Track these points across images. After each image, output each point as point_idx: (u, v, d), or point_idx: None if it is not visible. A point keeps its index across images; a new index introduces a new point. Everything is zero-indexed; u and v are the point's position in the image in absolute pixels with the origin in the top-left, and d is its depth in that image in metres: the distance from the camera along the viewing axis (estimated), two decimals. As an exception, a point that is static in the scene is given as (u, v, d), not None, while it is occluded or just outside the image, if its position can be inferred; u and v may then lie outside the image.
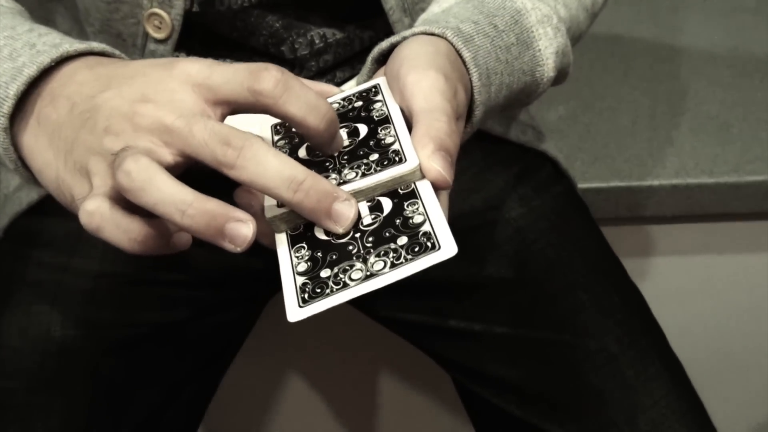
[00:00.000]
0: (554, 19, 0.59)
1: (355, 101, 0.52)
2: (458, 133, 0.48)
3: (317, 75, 0.68)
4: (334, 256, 0.44)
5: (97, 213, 0.42)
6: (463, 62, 0.53)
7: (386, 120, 0.50)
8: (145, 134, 0.43)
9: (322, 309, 0.42)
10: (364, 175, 0.46)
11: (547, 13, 0.59)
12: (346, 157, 0.48)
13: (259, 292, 0.78)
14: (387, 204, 0.46)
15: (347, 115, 0.52)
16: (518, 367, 0.68)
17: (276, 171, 0.41)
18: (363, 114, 0.51)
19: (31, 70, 0.48)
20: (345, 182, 0.46)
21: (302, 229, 0.46)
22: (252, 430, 1.11)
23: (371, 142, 0.48)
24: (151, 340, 0.69)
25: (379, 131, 0.49)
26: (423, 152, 0.46)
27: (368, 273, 0.43)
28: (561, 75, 0.62)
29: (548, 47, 0.58)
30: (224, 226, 0.41)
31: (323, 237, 0.45)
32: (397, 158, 0.47)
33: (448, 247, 0.42)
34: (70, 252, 0.69)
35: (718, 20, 1.17)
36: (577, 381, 0.66)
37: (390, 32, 0.65)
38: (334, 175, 0.47)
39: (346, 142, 0.49)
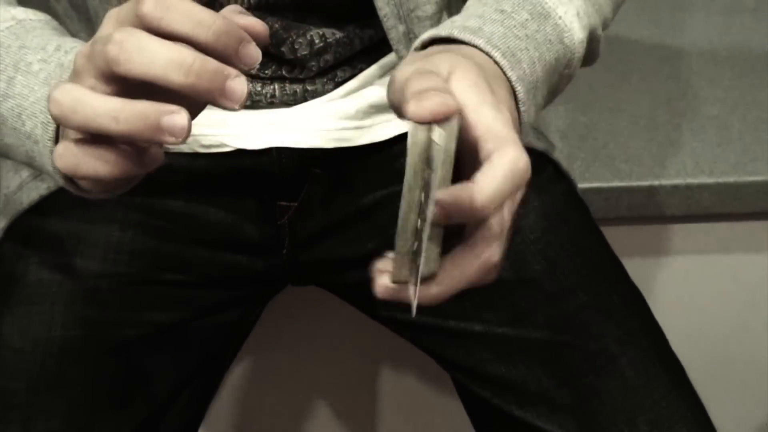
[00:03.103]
0: None
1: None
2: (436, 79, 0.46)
3: (318, 75, 0.68)
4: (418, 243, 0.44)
5: (65, 152, 0.43)
6: (482, 50, 0.52)
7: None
8: (85, 69, 0.44)
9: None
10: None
11: None
12: None
13: (259, 292, 0.78)
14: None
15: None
16: (518, 367, 0.68)
17: (162, 57, 0.41)
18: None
19: None
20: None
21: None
22: (252, 430, 1.11)
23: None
24: (152, 340, 0.69)
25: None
26: (411, 103, 0.44)
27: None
28: (594, 40, 0.61)
29: (567, 12, 0.57)
30: (159, 121, 0.41)
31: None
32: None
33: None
34: (71, 252, 0.69)
35: (718, 20, 1.17)
36: (577, 381, 0.66)
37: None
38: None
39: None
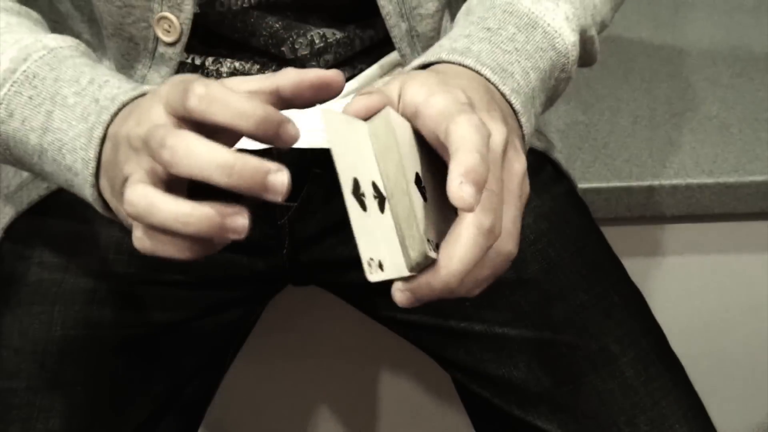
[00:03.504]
0: None
1: None
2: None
3: (318, 75, 0.68)
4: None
5: (143, 238, 0.47)
6: (472, 69, 0.53)
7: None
8: (141, 155, 0.47)
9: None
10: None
11: None
12: None
13: (259, 292, 0.78)
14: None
15: None
16: (518, 367, 0.68)
17: (207, 160, 0.43)
18: None
19: (98, 132, 0.53)
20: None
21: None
22: (252, 430, 1.11)
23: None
24: (152, 340, 0.69)
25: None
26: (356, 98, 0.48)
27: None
28: (587, 41, 0.62)
29: (555, 18, 0.58)
30: (224, 224, 0.44)
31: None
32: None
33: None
34: (71, 252, 0.69)
35: (717, 20, 1.17)
36: (578, 381, 0.66)
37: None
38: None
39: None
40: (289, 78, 0.48)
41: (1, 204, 0.73)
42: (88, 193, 0.54)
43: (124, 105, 0.53)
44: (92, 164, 0.53)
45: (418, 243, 0.45)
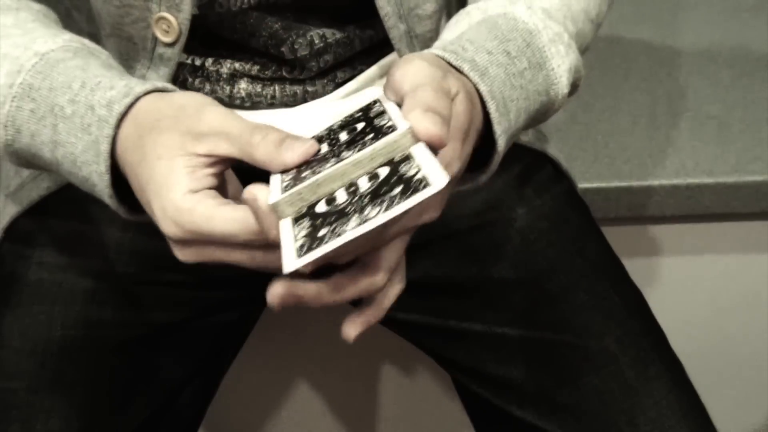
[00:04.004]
0: (565, 36, 0.60)
1: (357, 113, 0.53)
2: (449, 106, 0.49)
3: (318, 75, 0.68)
4: (332, 218, 0.45)
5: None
6: (480, 96, 0.54)
7: (382, 112, 0.50)
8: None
9: (319, 255, 0.43)
10: (360, 150, 0.47)
11: (558, 32, 0.59)
12: (345, 143, 0.49)
13: (259, 293, 0.78)
14: (384, 171, 0.46)
15: (352, 117, 0.53)
16: (518, 367, 0.68)
17: None
18: (361, 115, 0.52)
19: (104, 147, 0.53)
20: (343, 159, 0.47)
21: (305, 210, 0.47)
22: (252, 430, 1.11)
23: (368, 129, 0.49)
24: (152, 340, 0.69)
25: (374, 121, 0.50)
26: (412, 115, 0.47)
27: (363, 220, 0.43)
28: (572, 89, 0.62)
29: (561, 65, 0.59)
30: None
31: (324, 209, 0.46)
32: (389, 131, 0.47)
33: (437, 181, 0.42)
34: (71, 252, 0.69)
35: (718, 20, 1.17)
36: (578, 381, 0.66)
37: (390, 33, 0.66)
38: (333, 160, 0.47)
39: (345, 137, 0.50)
40: None
41: (1, 204, 0.73)
42: (108, 202, 0.55)
43: (123, 116, 0.52)
44: (106, 177, 0.53)
45: (294, 208, 0.47)
